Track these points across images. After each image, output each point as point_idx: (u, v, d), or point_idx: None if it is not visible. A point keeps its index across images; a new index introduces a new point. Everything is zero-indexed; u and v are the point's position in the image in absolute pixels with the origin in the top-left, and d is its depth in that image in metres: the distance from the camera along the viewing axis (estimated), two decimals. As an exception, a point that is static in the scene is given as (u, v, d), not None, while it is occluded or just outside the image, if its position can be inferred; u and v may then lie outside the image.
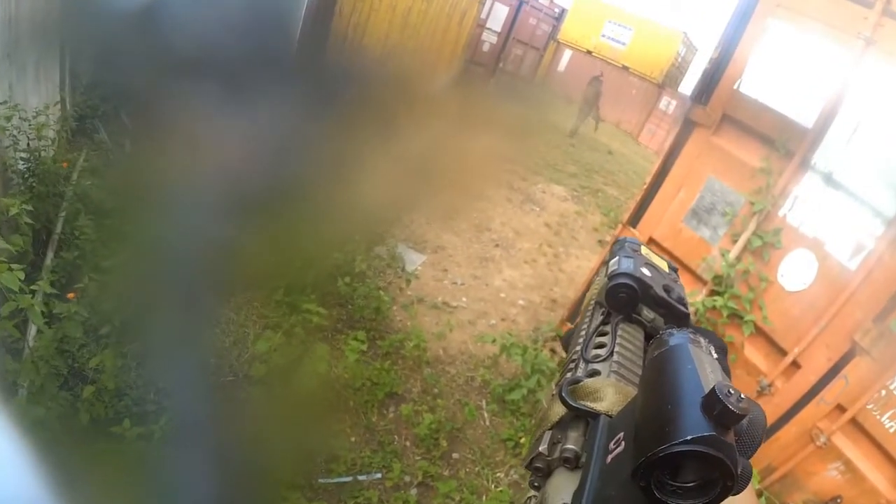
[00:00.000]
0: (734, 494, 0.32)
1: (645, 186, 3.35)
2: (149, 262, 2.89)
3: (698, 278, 3.07)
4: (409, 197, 5.05)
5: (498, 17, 8.38)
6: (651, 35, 14.35)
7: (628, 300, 0.55)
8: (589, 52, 15.05)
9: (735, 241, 2.92)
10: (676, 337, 0.38)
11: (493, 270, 4.48)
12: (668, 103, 13.82)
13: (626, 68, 14.71)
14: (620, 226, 3.49)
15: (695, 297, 3.01)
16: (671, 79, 14.44)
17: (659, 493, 0.32)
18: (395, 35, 7.29)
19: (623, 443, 0.36)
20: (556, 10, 9.26)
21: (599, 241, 6.45)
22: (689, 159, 3.15)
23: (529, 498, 0.43)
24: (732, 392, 0.30)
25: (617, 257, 0.60)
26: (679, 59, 14.47)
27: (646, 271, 0.57)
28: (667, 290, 0.57)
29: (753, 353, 2.82)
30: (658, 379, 0.36)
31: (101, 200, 3.30)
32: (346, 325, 3.13)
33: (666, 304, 0.56)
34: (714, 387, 0.31)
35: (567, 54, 14.43)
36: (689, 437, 0.30)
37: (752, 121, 2.95)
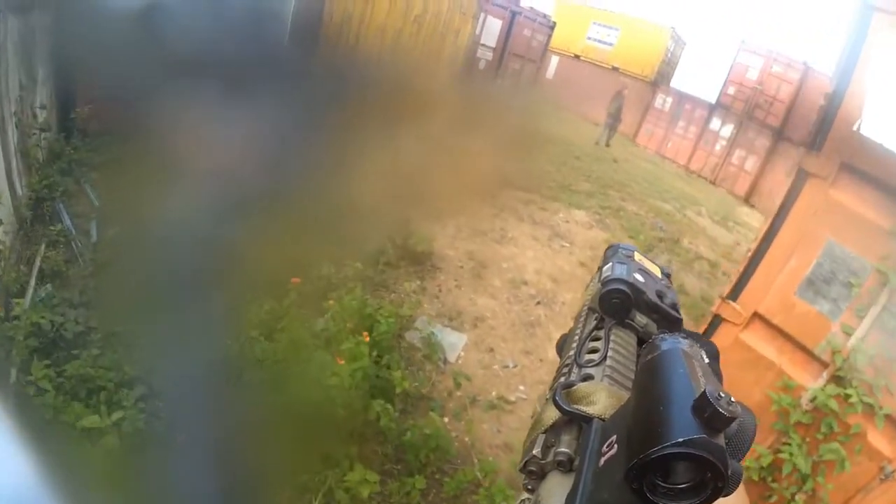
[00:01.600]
0: (725, 496, 0.32)
1: (749, 253, 2.75)
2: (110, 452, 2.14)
3: (815, 359, 2.52)
4: (432, 256, 4.41)
5: (492, 31, 7.71)
6: (638, 33, 13.80)
7: (621, 305, 0.55)
8: (577, 57, 14.48)
9: (861, 317, 2.39)
10: (668, 342, 0.38)
11: (543, 338, 3.76)
12: (663, 101, 13.27)
13: (615, 69, 14.14)
14: (719, 300, 2.84)
15: (809, 380, 2.51)
16: (662, 76, 13.90)
17: (651, 494, 0.32)
18: (386, 59, 6.61)
19: (616, 446, 0.36)
20: (546, 18, 8.63)
21: (637, 273, 5.76)
22: (803, 218, 2.57)
23: (523, 501, 0.43)
24: (723, 396, 0.31)
25: (610, 263, 0.59)
26: (668, 55, 13.94)
27: (639, 277, 0.57)
28: (660, 295, 0.57)
29: (877, 438, 2.37)
30: (650, 383, 0.36)
31: (59, 328, 2.55)
32: (393, 462, 2.39)
33: (659, 310, 0.56)
34: (704, 390, 0.31)
35: (554, 60, 13.83)
36: (680, 440, 0.30)
37: (877, 170, 2.38)
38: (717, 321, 2.84)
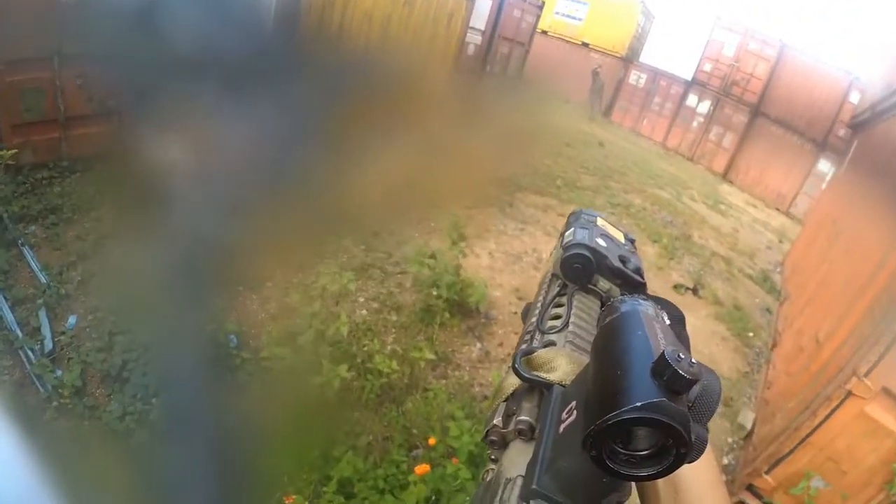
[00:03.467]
0: (689, 462, 0.30)
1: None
2: None
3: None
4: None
5: (481, 13, 6.80)
6: (608, 7, 13.12)
7: (583, 271, 0.54)
8: (544, 33, 13.65)
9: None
10: (627, 304, 0.36)
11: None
12: (638, 77, 12.74)
13: (585, 45, 13.45)
14: (854, 379, 2.62)
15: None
16: (634, 51, 13.34)
17: (611, 462, 0.30)
18: (374, 49, 5.64)
19: (575, 412, 0.34)
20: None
21: (675, 287, 5.21)
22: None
23: (487, 471, 0.41)
24: (683, 357, 0.29)
25: (572, 228, 0.58)
26: (639, 30, 13.37)
27: (601, 242, 0.56)
28: (623, 260, 0.56)
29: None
30: (608, 346, 0.34)
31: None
32: None
33: (622, 275, 0.55)
34: (663, 352, 0.29)
35: (524, 37, 12.96)
36: (638, 404, 0.28)
37: None
38: (847, 396, 2.71)
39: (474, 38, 7.03)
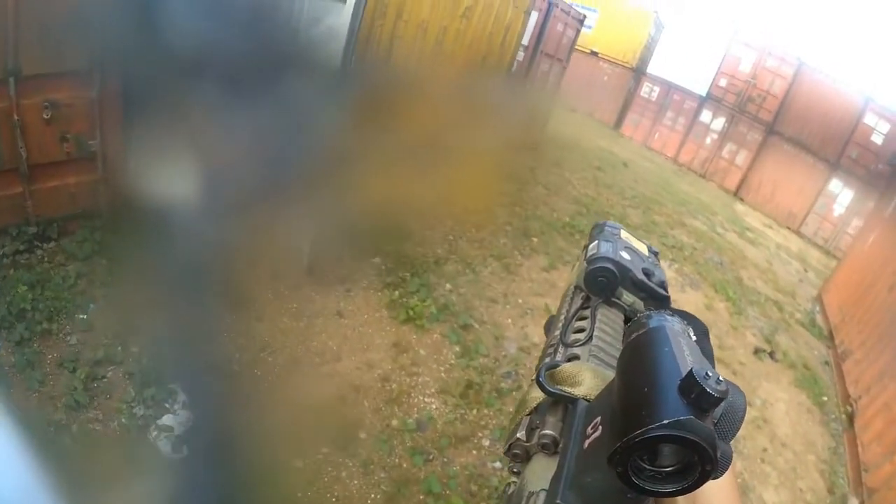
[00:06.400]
0: (714, 479, 0.29)
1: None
2: None
3: None
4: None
5: (528, 27, 5.95)
6: (619, 16, 12.38)
7: (607, 284, 0.52)
8: (555, 37, 12.84)
9: None
10: (654, 319, 0.35)
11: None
12: (650, 90, 12.09)
13: (594, 54, 12.71)
14: None
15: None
16: (644, 62, 12.67)
17: (636, 478, 0.29)
18: (426, 64, 4.75)
19: (600, 427, 0.33)
20: (575, 10, 6.87)
21: (755, 353, 4.59)
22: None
23: (509, 484, 0.40)
24: (710, 374, 0.28)
25: (596, 241, 0.56)
26: (650, 40, 12.68)
27: (625, 255, 0.54)
28: (647, 273, 0.54)
29: None
30: (635, 362, 0.33)
31: None
32: None
33: (646, 288, 0.53)
34: (691, 369, 0.28)
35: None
36: (665, 421, 0.27)
37: None
38: None
39: (518, 55, 6.20)
